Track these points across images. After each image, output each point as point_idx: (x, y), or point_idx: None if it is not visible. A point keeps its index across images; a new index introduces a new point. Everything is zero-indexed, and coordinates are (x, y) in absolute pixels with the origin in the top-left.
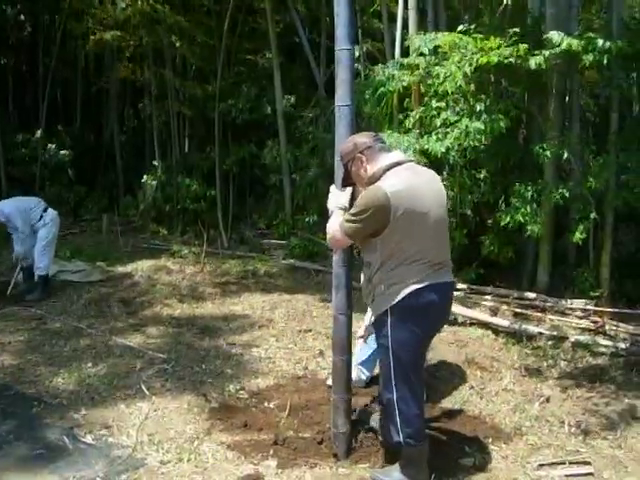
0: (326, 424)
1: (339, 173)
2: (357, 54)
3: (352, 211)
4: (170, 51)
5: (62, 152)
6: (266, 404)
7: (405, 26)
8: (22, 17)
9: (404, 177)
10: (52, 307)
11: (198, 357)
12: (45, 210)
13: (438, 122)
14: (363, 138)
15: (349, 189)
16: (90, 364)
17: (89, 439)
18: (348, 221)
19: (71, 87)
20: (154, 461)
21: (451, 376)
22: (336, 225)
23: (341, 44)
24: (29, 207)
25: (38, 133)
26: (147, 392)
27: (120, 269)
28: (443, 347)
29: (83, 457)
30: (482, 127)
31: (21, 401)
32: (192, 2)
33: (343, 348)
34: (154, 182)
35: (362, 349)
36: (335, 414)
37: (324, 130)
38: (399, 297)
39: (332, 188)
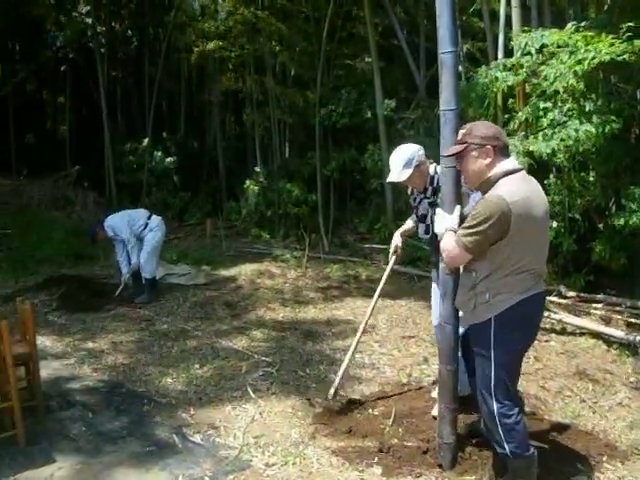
0: (431, 433)
1: (445, 181)
2: None
3: (470, 223)
4: (270, 59)
5: (168, 159)
6: (370, 411)
7: (508, 24)
8: (129, 32)
9: (521, 187)
10: (160, 309)
11: (302, 361)
12: (149, 217)
13: (545, 122)
14: (502, 135)
15: (457, 210)
16: (197, 365)
17: (197, 438)
18: (467, 235)
19: (175, 97)
20: (260, 463)
21: (561, 388)
22: (451, 244)
23: (444, 47)
24: (133, 219)
25: (145, 141)
26: (253, 395)
27: (224, 272)
28: (552, 357)
29: (191, 456)
30: (593, 130)
31: (133, 399)
32: (291, 9)
33: (450, 357)
34: (256, 187)
35: None
36: (441, 424)
37: (425, 134)
38: (505, 307)
39: (439, 210)
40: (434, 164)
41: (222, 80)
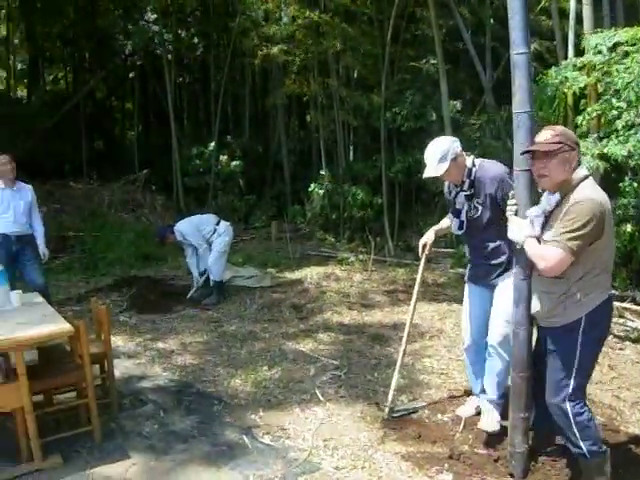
0: (502, 441)
1: (518, 185)
2: None
3: (572, 227)
4: (334, 62)
5: (233, 163)
6: (439, 416)
7: (578, 21)
8: (195, 39)
9: (599, 189)
10: (227, 311)
11: (369, 365)
12: (218, 223)
13: (620, 124)
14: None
15: (532, 212)
16: (265, 367)
17: (267, 440)
18: (572, 239)
19: (240, 101)
20: (329, 466)
21: (638, 399)
22: (553, 251)
23: (517, 48)
24: (203, 224)
25: (211, 145)
26: (321, 398)
27: (289, 275)
28: (627, 366)
29: (261, 457)
30: None
31: (202, 399)
32: (355, 12)
33: (523, 365)
34: (321, 190)
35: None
36: (513, 432)
37: (492, 136)
38: (596, 304)
39: (512, 218)
40: (471, 156)
41: (286, 84)
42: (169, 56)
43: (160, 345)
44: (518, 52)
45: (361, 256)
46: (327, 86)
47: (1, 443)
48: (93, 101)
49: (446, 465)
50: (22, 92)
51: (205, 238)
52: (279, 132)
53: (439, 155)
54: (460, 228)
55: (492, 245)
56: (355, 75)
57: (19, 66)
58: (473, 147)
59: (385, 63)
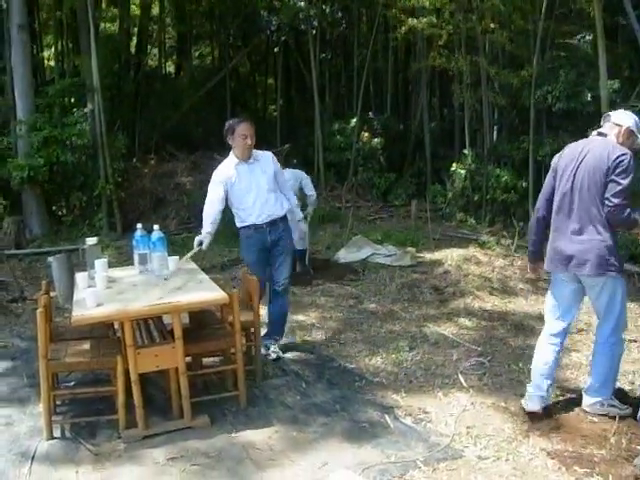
0: None
1: None
2: None
3: None
4: (483, 38)
5: (375, 140)
6: (589, 415)
7: None
8: (339, 14)
9: None
10: (367, 288)
11: (514, 355)
12: None
13: None
14: None
15: None
16: (407, 348)
17: (409, 421)
18: None
19: (382, 77)
20: (472, 454)
21: None
22: None
23: None
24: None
25: (353, 122)
26: (464, 384)
27: (429, 256)
28: None
29: (403, 438)
30: None
31: (344, 374)
32: None
33: None
34: (463, 171)
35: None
36: None
37: None
38: None
39: None
40: None
41: (431, 61)
42: (313, 31)
43: (301, 317)
44: None
45: (503, 240)
46: (474, 63)
47: (155, 400)
48: (237, 76)
49: (596, 468)
50: (171, 68)
51: None
52: (421, 109)
53: None
54: None
55: None
56: (504, 52)
57: (168, 43)
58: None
59: (537, 39)
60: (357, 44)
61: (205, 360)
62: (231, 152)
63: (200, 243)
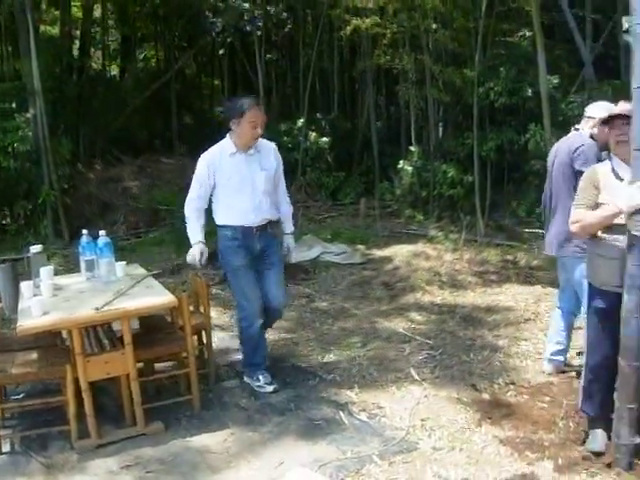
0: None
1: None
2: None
3: None
4: (427, 37)
5: (322, 139)
6: (539, 402)
7: None
8: (284, 14)
9: None
10: (318, 286)
11: (464, 346)
12: None
13: None
14: None
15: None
16: (359, 344)
17: (363, 417)
18: None
19: (328, 77)
20: (426, 446)
21: None
22: None
23: (638, 18)
24: None
25: (300, 122)
26: (417, 377)
27: (379, 253)
28: None
29: (358, 433)
30: None
31: (298, 373)
32: None
33: (634, 354)
34: (410, 168)
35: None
36: (618, 423)
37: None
38: None
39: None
40: None
41: (376, 59)
42: (258, 32)
43: None
44: (639, 22)
45: (451, 235)
46: (418, 61)
47: (106, 408)
48: (183, 78)
49: (547, 452)
50: (115, 71)
51: None
52: (368, 108)
53: None
54: None
55: None
56: (447, 50)
57: (112, 46)
58: (572, 123)
59: (479, 37)
60: (303, 44)
61: (158, 365)
62: (228, 136)
63: (200, 255)
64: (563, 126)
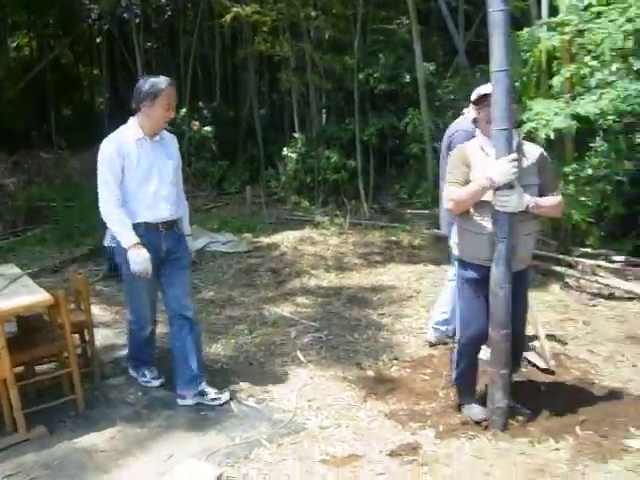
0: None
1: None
2: None
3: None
4: (307, 24)
5: (205, 128)
6: (421, 375)
7: None
8: (163, 1)
9: None
10: (205, 277)
11: (349, 326)
12: None
13: (593, 82)
14: None
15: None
16: (246, 332)
17: (251, 402)
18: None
19: (210, 65)
20: (314, 426)
21: (611, 353)
22: (558, 200)
23: (495, 5)
24: None
25: (183, 111)
26: (303, 359)
27: (266, 240)
28: (601, 322)
29: (247, 419)
30: None
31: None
32: None
33: (502, 323)
34: (294, 154)
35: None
36: (492, 388)
37: (465, 98)
38: None
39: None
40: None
41: (257, 46)
42: (137, 20)
43: None
44: (496, 9)
45: (336, 219)
46: (299, 48)
47: None
48: (59, 68)
49: (429, 421)
50: None
51: None
52: (250, 96)
53: None
54: None
55: None
56: (327, 37)
57: None
58: (447, 107)
59: (357, 25)
60: (183, 32)
61: (41, 367)
62: (132, 119)
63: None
64: (439, 110)
